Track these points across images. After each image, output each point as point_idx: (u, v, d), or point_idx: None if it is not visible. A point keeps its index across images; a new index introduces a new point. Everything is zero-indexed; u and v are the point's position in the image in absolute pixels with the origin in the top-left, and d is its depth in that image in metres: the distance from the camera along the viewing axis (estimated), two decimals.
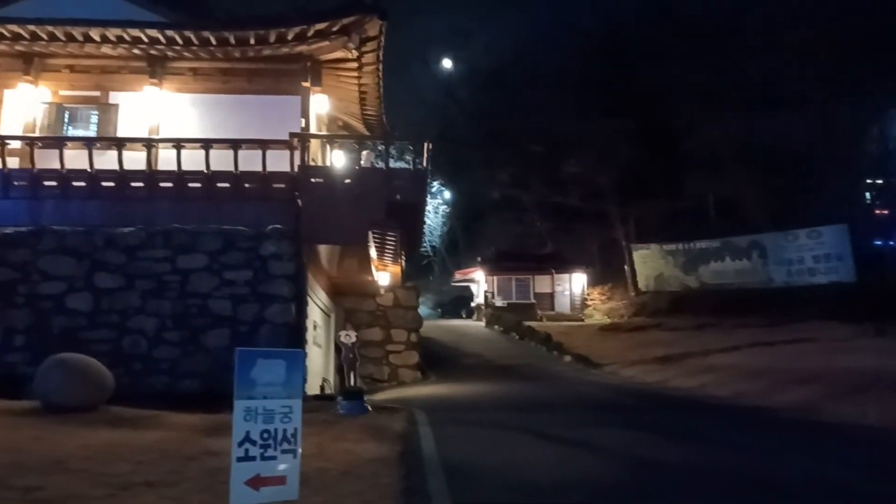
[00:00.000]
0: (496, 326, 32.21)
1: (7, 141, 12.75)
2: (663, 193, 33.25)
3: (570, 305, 36.22)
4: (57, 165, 12.61)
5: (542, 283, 36.74)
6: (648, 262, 33.90)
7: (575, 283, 36.66)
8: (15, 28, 12.89)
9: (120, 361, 10.79)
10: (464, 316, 39.74)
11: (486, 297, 36.70)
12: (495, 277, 36.96)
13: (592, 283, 37.34)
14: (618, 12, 39.55)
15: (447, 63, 50.14)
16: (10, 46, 13.42)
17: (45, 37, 13.13)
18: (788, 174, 29.26)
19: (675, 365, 18.61)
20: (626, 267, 34.93)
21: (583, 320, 33.89)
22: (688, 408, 12.47)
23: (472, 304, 39.77)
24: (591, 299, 36.88)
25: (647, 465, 6.90)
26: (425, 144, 13.95)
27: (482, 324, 34.49)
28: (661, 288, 32.74)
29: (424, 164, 14.32)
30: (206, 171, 12.96)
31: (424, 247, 40.87)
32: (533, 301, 36.12)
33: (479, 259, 38.90)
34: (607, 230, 36.34)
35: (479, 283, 38.72)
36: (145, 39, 13.35)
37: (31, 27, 12.87)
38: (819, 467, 6.83)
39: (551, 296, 36.56)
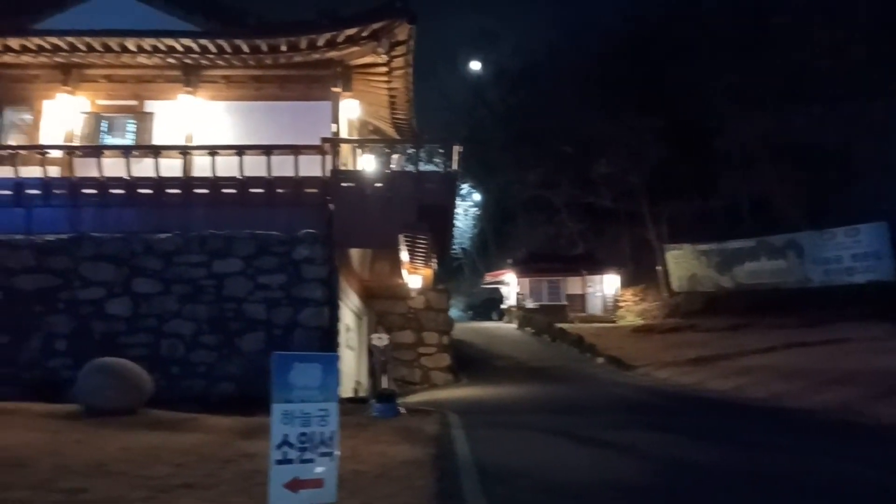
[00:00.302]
0: (527, 328, 32.09)
1: (47, 150, 13.08)
2: (696, 192, 32.83)
3: (602, 307, 35.93)
4: (95, 174, 12.90)
5: (573, 285, 36.51)
6: (681, 263, 33.48)
7: (607, 285, 36.35)
8: (54, 40, 13.24)
9: (158, 365, 10.99)
10: (495, 318, 39.65)
11: (517, 299, 36.59)
12: (526, 279, 36.83)
13: (624, 284, 36.98)
14: (646, 10, 39.17)
15: (475, 65, 50.21)
16: (50, 58, 13.78)
17: (82, 48, 13.46)
18: (824, 171, 28.64)
19: (710, 366, 18.34)
20: (658, 268, 34.53)
21: (615, 322, 33.59)
22: (723, 410, 12.30)
23: (503, 307, 39.66)
24: (624, 301, 36.52)
25: (683, 468, 6.83)
26: (455, 147, 13.97)
27: (513, 326, 34.40)
28: (695, 288, 32.30)
29: (454, 166, 14.35)
30: (239, 177, 13.15)
31: (455, 249, 40.94)
32: (564, 303, 35.91)
33: (509, 261, 38.82)
34: (639, 230, 35.98)
35: (510, 285, 38.62)
36: (179, 48, 13.61)
37: (70, 38, 13.20)
38: (857, 469, 6.69)
39: (583, 297, 36.31)
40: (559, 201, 40.05)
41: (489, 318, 39.90)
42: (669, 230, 35.06)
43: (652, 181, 33.87)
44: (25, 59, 13.74)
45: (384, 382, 16.42)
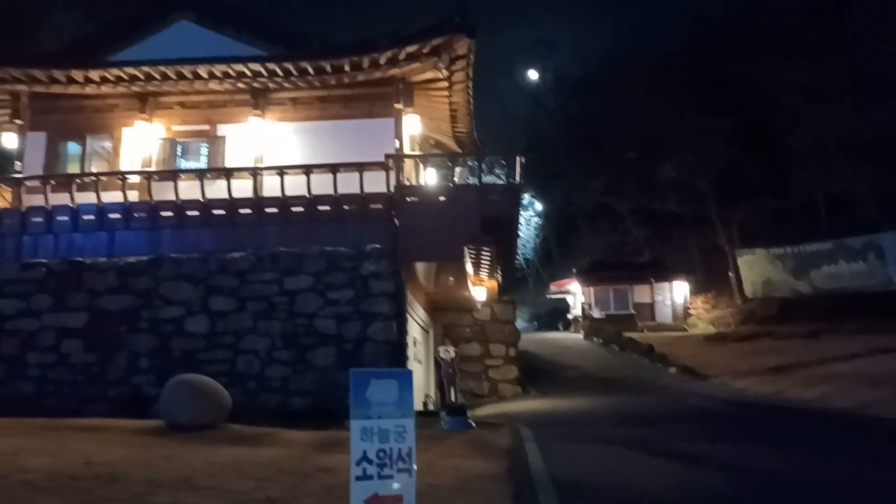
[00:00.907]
0: (595, 338, 31.59)
1: (127, 176, 13.70)
2: (768, 194, 31.75)
3: (672, 315, 35.08)
4: (172, 197, 13.42)
5: (641, 293, 35.79)
6: (754, 268, 32.40)
7: (676, 292, 35.49)
8: (131, 70, 13.90)
9: (235, 381, 11.32)
10: (561, 328, 39.22)
11: (583, 309, 36.10)
12: (592, 288, 36.31)
13: (695, 291, 36.02)
14: (709, 9, 38.27)
15: (532, 73, 50.10)
16: (128, 88, 14.47)
17: (158, 77, 14.09)
18: None
19: (790, 375, 17.63)
20: (730, 273, 33.51)
21: (686, 330, 32.72)
22: (808, 420, 11.79)
23: (570, 316, 39.20)
24: (695, 308, 35.56)
25: (772, 482, 6.57)
26: (517, 158, 13.98)
27: (580, 336, 33.93)
28: (770, 294, 31.19)
29: (517, 178, 14.33)
30: (307, 195, 13.45)
31: (518, 259, 40.73)
32: (632, 311, 35.22)
33: (574, 270, 38.38)
34: (708, 235, 35.04)
35: (576, 294, 38.16)
36: (249, 73, 14.09)
37: (146, 68, 13.83)
38: None
39: (651, 306, 35.54)
40: (623, 208, 39.42)
41: (555, 329, 39.50)
42: (740, 234, 34.01)
43: (720, 184, 32.96)
44: (106, 89, 14.47)
45: (452, 395, 16.47)
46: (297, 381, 11.80)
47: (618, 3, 64.43)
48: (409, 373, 4.53)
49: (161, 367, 11.55)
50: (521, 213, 38.00)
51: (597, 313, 35.34)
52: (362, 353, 12.01)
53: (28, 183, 13.84)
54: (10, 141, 15.20)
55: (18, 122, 15.00)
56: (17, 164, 14.83)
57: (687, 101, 33.55)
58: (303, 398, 11.70)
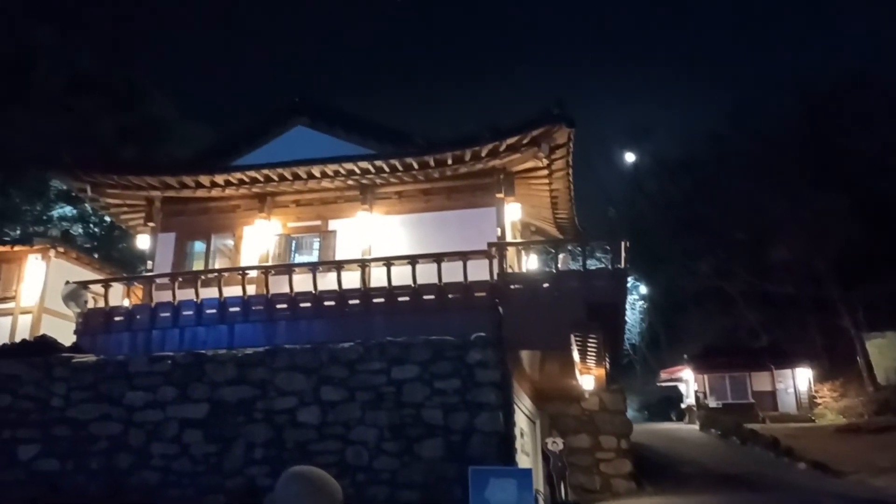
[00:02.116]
0: (712, 430, 29.66)
1: (247, 271, 14.49)
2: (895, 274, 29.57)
3: (795, 404, 32.59)
4: (287, 289, 14.04)
5: (760, 381, 33.57)
6: (886, 353, 29.85)
7: (799, 379, 33.07)
8: (253, 173, 15.01)
9: (345, 472, 11.34)
10: (674, 418, 37.16)
11: (697, 398, 34.15)
12: (706, 375, 34.41)
13: (820, 378, 33.43)
14: (814, 83, 37.24)
15: (630, 156, 50.02)
16: (249, 189, 15.59)
17: (276, 178, 15.13)
18: None
19: None
20: (858, 359, 30.99)
21: (813, 420, 30.21)
22: None
23: (683, 406, 37.15)
24: (821, 397, 32.89)
25: None
26: (622, 243, 13.76)
27: (695, 427, 31.95)
28: None
29: (622, 262, 14.09)
30: (413, 285, 13.72)
31: (624, 345, 39.44)
32: (752, 401, 32.99)
33: (685, 356, 36.60)
34: (830, 318, 32.74)
35: (688, 382, 36.25)
36: (358, 171, 14.88)
37: (266, 171, 14.90)
38: None
39: (772, 394, 33.20)
40: (734, 291, 37.68)
41: (668, 419, 37.46)
42: (868, 316, 31.57)
43: (840, 264, 31.04)
44: (229, 192, 15.67)
45: (562, 490, 15.75)
46: (406, 474, 11.66)
47: (715, 83, 64.16)
48: (529, 472, 4.44)
49: (274, 458, 11.77)
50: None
51: (712, 402, 33.33)
52: (470, 445, 11.77)
53: (158, 280, 14.89)
54: (144, 242, 16.56)
55: (151, 224, 16.39)
56: (149, 263, 16.10)
57: (798, 178, 32.34)
58: (411, 491, 11.52)
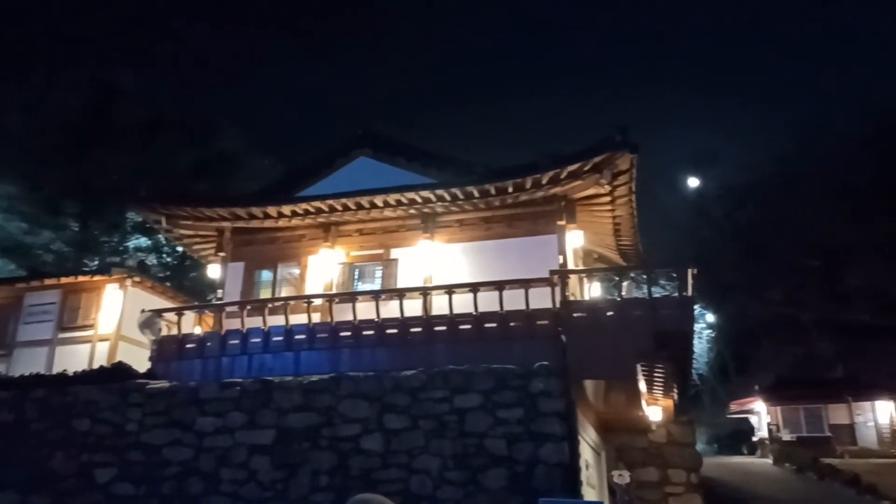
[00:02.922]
0: (787, 464, 28.41)
1: (312, 299, 14.78)
2: None
3: (877, 438, 30.92)
4: (350, 317, 14.24)
5: (837, 414, 32.01)
6: None
7: (880, 412, 31.40)
8: (318, 204, 15.39)
9: (409, 501, 11.33)
10: (745, 452, 35.73)
11: (769, 430, 32.80)
12: (778, 407, 33.04)
13: None
14: (884, 105, 35.84)
15: (694, 182, 49.01)
16: (314, 219, 15.97)
17: (340, 208, 15.45)
18: None
19: None
20: None
21: None
22: None
23: (754, 439, 35.70)
24: None
25: None
26: (689, 270, 13.45)
27: (768, 461, 30.68)
28: None
29: (689, 290, 13.76)
30: (474, 313, 13.72)
31: (692, 376, 38.27)
32: (828, 434, 31.47)
33: (756, 387, 35.24)
34: None
35: (760, 413, 34.85)
36: (419, 200, 15.06)
37: (331, 201, 15.25)
38: None
39: (850, 427, 31.61)
40: (807, 319, 36.22)
41: (738, 452, 36.06)
42: None
43: None
44: (295, 222, 16.08)
45: None
46: None
47: (783, 106, 62.55)
48: None
49: (339, 486, 11.86)
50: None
51: (786, 436, 31.94)
52: (534, 477, 11.61)
53: (228, 308, 15.33)
54: (214, 271, 17.13)
55: (222, 254, 16.94)
56: (219, 292, 16.61)
57: (871, 202, 31.06)
58: None
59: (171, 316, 15.48)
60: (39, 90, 30.76)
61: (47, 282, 18.65)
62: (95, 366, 16.00)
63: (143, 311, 15.54)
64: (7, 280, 20.48)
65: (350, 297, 14.69)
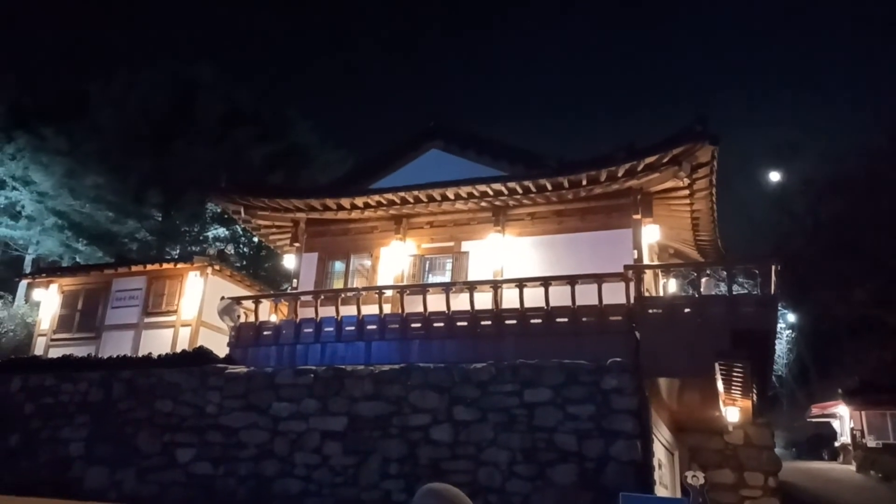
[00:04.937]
0: (871, 471, 27.01)
1: (384, 290, 14.95)
2: None
3: None
4: (420, 309, 14.33)
5: None
6: None
7: None
8: (390, 196, 15.52)
9: (477, 493, 11.32)
10: (826, 457, 34.16)
11: (853, 436, 31.23)
12: (863, 412, 31.38)
13: None
14: None
15: (775, 176, 46.99)
16: (386, 211, 16.13)
17: (412, 200, 15.55)
18: None
19: None
20: None
21: None
22: None
23: (836, 444, 34.09)
24: None
25: None
26: (773, 267, 12.92)
27: (851, 468, 29.22)
28: None
29: (772, 288, 13.22)
30: (545, 307, 13.57)
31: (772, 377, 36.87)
32: None
33: (839, 391, 33.60)
34: None
35: (843, 418, 33.22)
36: (490, 193, 15.00)
37: (402, 193, 15.36)
38: None
39: None
40: (894, 321, 34.30)
41: (818, 458, 34.49)
42: None
43: None
44: (368, 213, 16.29)
45: None
46: (538, 499, 11.47)
47: (871, 95, 59.34)
48: (683, 502, 4.22)
49: (409, 474, 11.98)
50: None
51: (871, 442, 30.31)
52: (605, 474, 11.42)
53: (302, 297, 15.69)
54: (290, 261, 17.58)
55: (297, 244, 17.34)
56: (294, 282, 17.02)
57: None
58: None
59: (249, 304, 15.95)
60: (124, 87, 32.17)
61: (134, 269, 19.52)
62: (178, 350, 16.66)
63: (222, 298, 16.08)
64: (97, 266, 21.53)
65: (421, 288, 14.79)
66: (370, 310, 14.75)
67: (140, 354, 16.62)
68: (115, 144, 30.64)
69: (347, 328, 14.75)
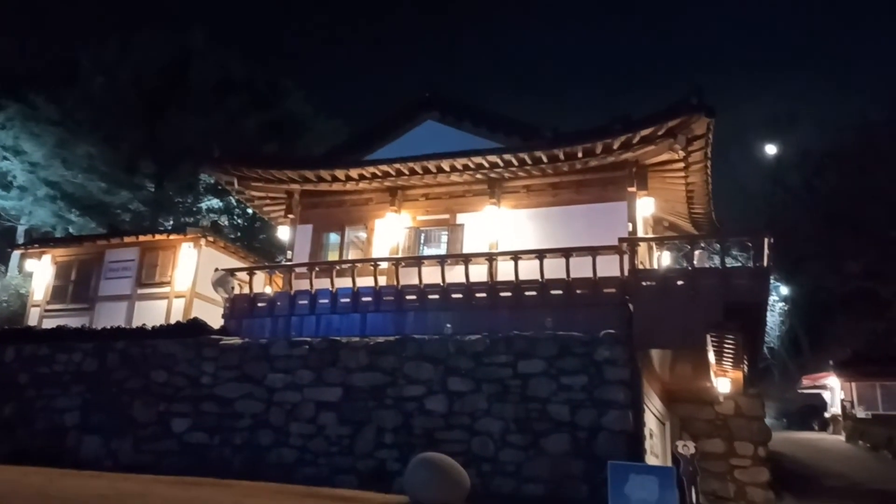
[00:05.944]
0: (860, 442, 27.46)
1: (378, 263, 14.95)
2: None
3: None
4: (416, 281, 14.35)
5: None
6: None
7: None
8: (385, 167, 15.44)
9: (471, 462, 11.46)
10: (816, 428, 34.69)
11: (843, 407, 31.67)
12: (853, 384, 31.77)
13: None
14: None
15: (770, 148, 46.81)
16: (381, 183, 16.07)
17: (407, 172, 15.47)
18: None
19: None
20: None
21: None
22: None
23: (826, 415, 34.59)
24: None
25: None
26: (765, 239, 12.95)
27: (841, 438, 29.72)
28: None
29: (765, 260, 13.27)
30: (540, 279, 13.61)
31: (763, 348, 37.22)
32: None
33: (830, 362, 33.99)
34: None
35: (833, 389, 33.64)
36: (486, 165, 14.93)
37: (398, 165, 15.28)
38: None
39: None
40: (888, 293, 34.54)
41: (809, 428, 35.03)
42: None
43: None
44: (363, 185, 16.22)
45: (693, 496, 15.10)
46: (531, 468, 11.63)
47: (866, 69, 58.98)
48: (672, 470, 4.28)
49: (403, 444, 12.10)
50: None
51: (860, 412, 30.76)
52: (597, 443, 11.56)
53: (297, 269, 15.68)
54: (284, 233, 17.53)
55: (291, 216, 17.28)
56: (289, 253, 17.00)
57: None
58: (536, 485, 11.48)
59: (243, 275, 15.95)
60: (116, 54, 31.70)
61: (126, 239, 19.45)
62: (171, 321, 16.66)
63: (216, 269, 16.06)
64: (90, 237, 21.44)
65: (416, 261, 14.80)
66: (365, 282, 14.76)
67: (134, 326, 16.62)
68: (106, 113, 30.28)
69: (342, 300, 14.78)
